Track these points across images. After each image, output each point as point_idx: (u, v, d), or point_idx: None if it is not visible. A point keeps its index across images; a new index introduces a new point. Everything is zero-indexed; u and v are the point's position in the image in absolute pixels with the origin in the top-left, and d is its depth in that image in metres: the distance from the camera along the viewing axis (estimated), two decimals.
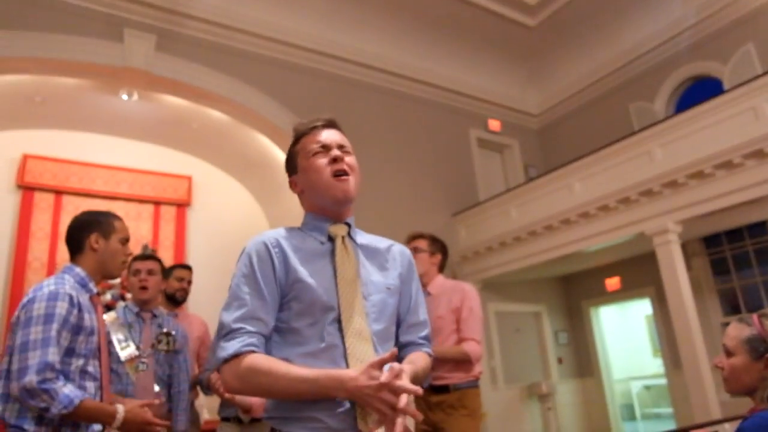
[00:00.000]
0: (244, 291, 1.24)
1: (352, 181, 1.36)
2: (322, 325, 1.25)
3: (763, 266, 6.68)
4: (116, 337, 2.59)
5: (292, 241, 1.32)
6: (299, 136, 1.44)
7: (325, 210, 1.37)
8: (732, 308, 6.87)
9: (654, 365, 10.17)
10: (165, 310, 3.56)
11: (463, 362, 2.89)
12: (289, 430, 1.22)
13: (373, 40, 7.43)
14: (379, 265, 1.40)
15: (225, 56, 6.26)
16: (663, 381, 8.60)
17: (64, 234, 2.05)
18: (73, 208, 6.39)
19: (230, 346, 1.19)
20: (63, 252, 2.01)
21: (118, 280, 2.91)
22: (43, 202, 6.61)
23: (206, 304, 7.08)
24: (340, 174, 1.34)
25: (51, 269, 6.23)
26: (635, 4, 7.54)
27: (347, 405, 1.20)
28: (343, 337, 1.25)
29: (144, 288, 2.80)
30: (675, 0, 7.28)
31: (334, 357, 1.23)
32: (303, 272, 1.27)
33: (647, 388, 10.48)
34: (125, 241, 2.07)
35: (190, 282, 3.64)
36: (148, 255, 2.98)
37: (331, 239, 1.35)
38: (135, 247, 4.35)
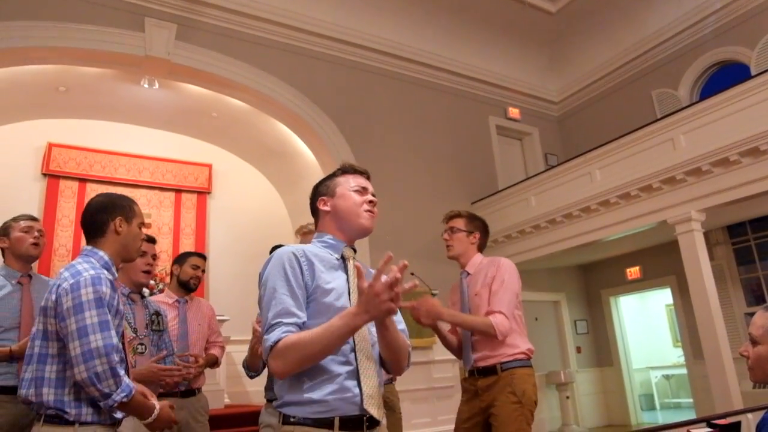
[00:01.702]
0: (279, 292, 1.51)
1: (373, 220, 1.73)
2: None
3: None
4: None
5: (314, 253, 1.61)
6: (346, 171, 1.77)
7: (345, 234, 1.70)
8: (756, 298, 6.75)
9: (674, 355, 10.07)
10: (176, 295, 3.56)
11: (492, 336, 2.65)
12: (300, 415, 1.43)
13: (392, 28, 7.38)
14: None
15: (244, 45, 6.29)
16: (683, 371, 8.52)
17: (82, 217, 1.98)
18: None
19: (271, 337, 1.44)
20: None
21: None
22: (67, 189, 6.75)
23: (225, 288, 7.19)
24: (370, 212, 1.72)
25: (76, 255, 6.36)
26: None
27: (356, 390, 1.44)
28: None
29: (149, 272, 2.76)
30: None
31: (344, 349, 1.48)
32: (324, 280, 1.57)
33: (667, 377, 10.38)
34: (143, 225, 2.05)
35: (204, 271, 3.65)
36: (154, 239, 2.92)
37: (343, 258, 1.66)
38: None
